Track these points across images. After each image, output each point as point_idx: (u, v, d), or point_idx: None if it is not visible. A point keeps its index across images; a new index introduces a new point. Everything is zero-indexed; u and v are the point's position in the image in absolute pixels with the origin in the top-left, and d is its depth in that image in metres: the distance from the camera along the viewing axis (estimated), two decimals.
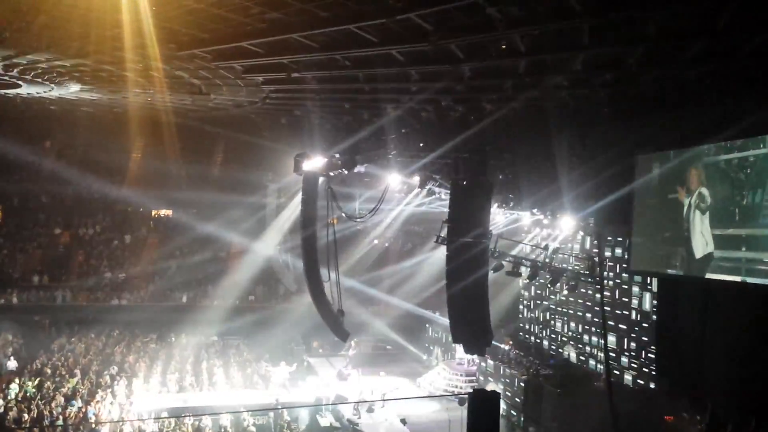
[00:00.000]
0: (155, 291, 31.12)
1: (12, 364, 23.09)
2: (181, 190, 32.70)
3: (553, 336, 23.64)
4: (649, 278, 18.22)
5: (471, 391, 7.84)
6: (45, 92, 19.24)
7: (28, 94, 19.58)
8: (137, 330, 28.20)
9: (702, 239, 13.15)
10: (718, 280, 12.54)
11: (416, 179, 18.48)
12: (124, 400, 20.98)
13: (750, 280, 12.21)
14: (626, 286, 19.61)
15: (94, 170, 32.92)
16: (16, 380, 21.59)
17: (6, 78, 16.89)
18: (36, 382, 21.47)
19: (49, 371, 23.00)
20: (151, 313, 29.30)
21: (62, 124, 28.60)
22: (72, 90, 18.60)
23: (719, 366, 16.08)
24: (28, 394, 20.48)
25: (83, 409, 19.80)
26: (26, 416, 18.83)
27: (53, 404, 19.81)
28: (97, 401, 20.40)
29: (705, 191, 12.86)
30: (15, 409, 19.16)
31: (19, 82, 17.40)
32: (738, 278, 12.58)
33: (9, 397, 20.18)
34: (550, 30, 9.17)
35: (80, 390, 21.45)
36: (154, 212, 35.73)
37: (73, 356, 25.00)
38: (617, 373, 19.62)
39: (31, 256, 31.41)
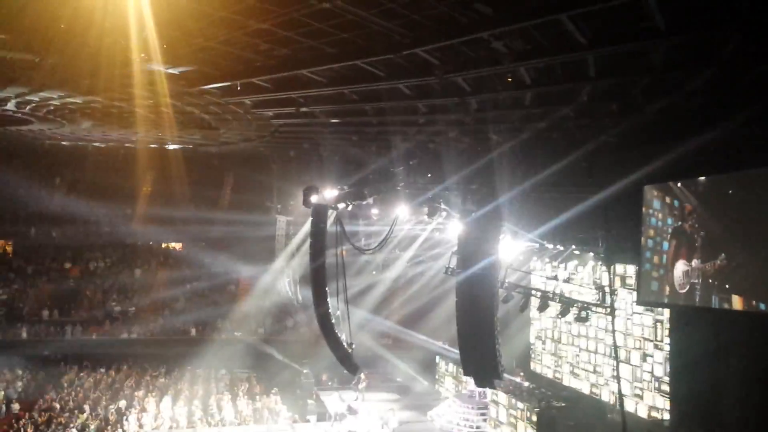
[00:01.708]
0: (165, 324, 31.05)
1: (15, 406, 22.96)
2: (190, 223, 32.87)
3: (565, 367, 23.37)
4: (660, 308, 18.06)
5: None
6: (56, 128, 19.50)
7: (40, 130, 19.85)
8: (146, 364, 28.13)
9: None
10: (726, 309, 12.39)
11: (425, 211, 18.54)
12: None
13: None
14: (638, 316, 19.46)
15: (104, 204, 33.20)
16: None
17: (19, 115, 17.15)
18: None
19: (58, 406, 22.92)
20: (160, 346, 29.19)
21: (72, 159, 28.97)
22: (83, 126, 18.84)
23: (734, 397, 15.84)
24: None
25: None
26: None
27: None
28: None
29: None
30: None
31: (32, 119, 17.65)
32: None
33: None
34: (555, 62, 9.26)
35: (90, 425, 21.35)
36: (163, 245, 35.87)
37: (83, 391, 24.93)
38: (631, 404, 19.35)
39: (42, 290, 31.45)
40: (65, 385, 25.67)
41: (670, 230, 13.37)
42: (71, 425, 21.03)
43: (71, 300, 31.43)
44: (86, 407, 22.91)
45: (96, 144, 23.57)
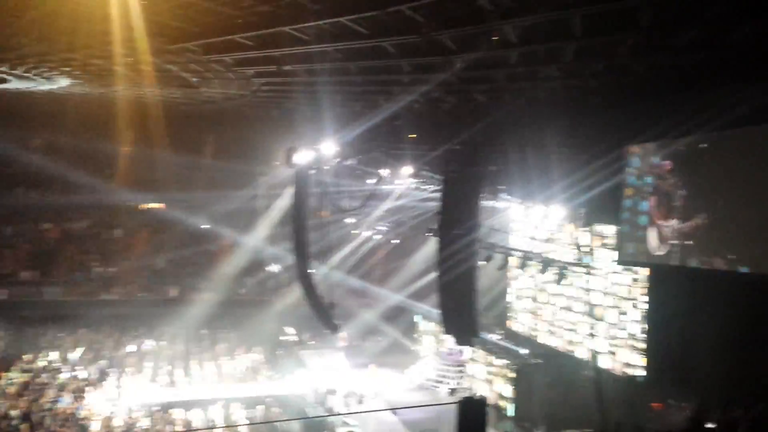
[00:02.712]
0: (145, 285, 31.01)
1: None
2: (171, 183, 32.59)
3: (541, 325, 23.77)
4: (638, 268, 18.37)
5: (460, 399, 8.03)
6: (34, 87, 19.08)
7: (17, 89, 19.41)
8: (127, 324, 28.16)
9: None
10: (704, 268, 12.57)
11: (407, 171, 18.59)
12: (114, 395, 21.00)
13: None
14: (617, 275, 19.77)
15: (83, 164, 32.76)
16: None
17: None
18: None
19: (38, 366, 22.93)
20: (140, 307, 29.23)
21: (50, 119, 28.35)
22: (62, 84, 18.47)
23: (705, 353, 16.26)
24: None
25: (73, 405, 19.81)
26: (14, 412, 18.80)
27: (42, 400, 19.77)
28: (86, 396, 20.43)
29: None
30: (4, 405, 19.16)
31: (8, 78, 17.25)
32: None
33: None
34: (541, 20, 9.22)
35: (69, 385, 21.41)
36: (143, 206, 35.56)
37: (63, 351, 24.93)
38: (606, 361, 19.79)
39: (20, 251, 31.18)
40: (45, 345, 25.64)
41: (650, 189, 13.47)
42: (51, 384, 21.08)
43: (51, 261, 31.21)
44: (66, 368, 22.95)
45: (74, 103, 23.06)
